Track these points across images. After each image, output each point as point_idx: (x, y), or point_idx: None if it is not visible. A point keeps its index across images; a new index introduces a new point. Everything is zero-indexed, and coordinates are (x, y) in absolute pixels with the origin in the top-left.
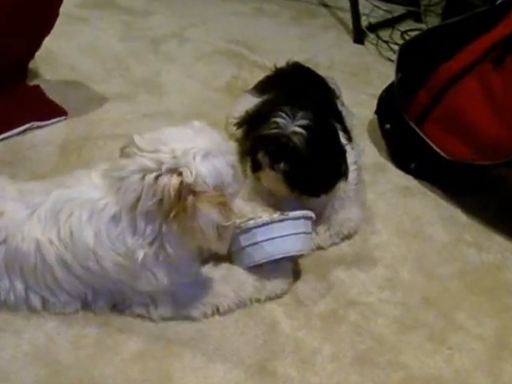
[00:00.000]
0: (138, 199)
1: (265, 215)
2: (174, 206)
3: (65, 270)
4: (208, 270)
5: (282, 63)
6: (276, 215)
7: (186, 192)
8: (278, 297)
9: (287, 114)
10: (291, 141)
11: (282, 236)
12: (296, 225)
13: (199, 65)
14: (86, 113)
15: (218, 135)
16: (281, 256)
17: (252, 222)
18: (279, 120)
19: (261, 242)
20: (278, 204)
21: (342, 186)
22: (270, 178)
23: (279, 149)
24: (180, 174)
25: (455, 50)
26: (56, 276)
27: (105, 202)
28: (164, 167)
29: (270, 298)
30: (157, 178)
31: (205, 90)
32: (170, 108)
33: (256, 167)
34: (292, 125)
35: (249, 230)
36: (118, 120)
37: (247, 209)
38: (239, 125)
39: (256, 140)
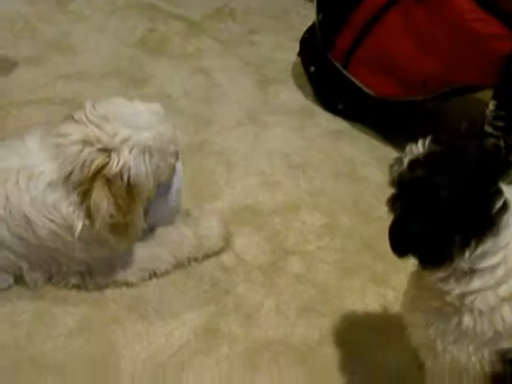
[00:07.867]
0: (72, 171)
1: None
2: (85, 182)
3: None
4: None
5: (199, 11)
6: None
7: (101, 176)
8: (216, 254)
9: None
10: None
11: None
12: None
13: (112, 20)
14: None
15: (172, 129)
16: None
17: None
18: None
19: None
20: None
21: None
22: None
23: None
24: (108, 156)
25: None
26: None
27: (42, 168)
28: (99, 145)
29: (207, 256)
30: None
31: (119, 46)
32: (84, 68)
33: None
34: None
35: None
36: (30, 85)
37: None
38: None
39: None
